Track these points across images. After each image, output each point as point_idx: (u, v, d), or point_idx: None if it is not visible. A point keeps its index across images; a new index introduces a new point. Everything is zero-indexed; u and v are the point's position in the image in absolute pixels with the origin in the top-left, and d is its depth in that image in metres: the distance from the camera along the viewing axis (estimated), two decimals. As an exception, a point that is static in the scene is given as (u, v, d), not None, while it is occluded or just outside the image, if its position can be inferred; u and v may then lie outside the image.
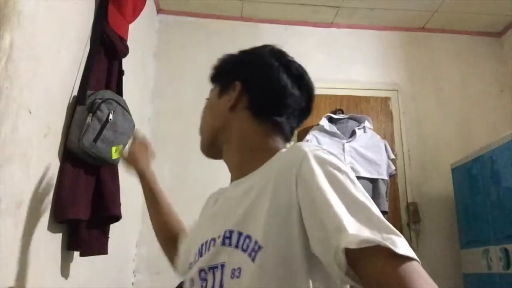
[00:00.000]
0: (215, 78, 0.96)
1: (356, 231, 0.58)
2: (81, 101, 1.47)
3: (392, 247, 0.54)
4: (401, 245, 0.56)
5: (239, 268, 0.69)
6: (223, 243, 0.74)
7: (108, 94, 1.57)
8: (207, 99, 0.97)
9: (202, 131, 0.95)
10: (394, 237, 0.57)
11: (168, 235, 1.13)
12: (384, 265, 0.55)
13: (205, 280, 0.75)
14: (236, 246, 0.71)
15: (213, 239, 0.78)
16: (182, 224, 1.16)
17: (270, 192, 0.71)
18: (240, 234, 0.72)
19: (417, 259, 0.55)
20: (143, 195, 1.21)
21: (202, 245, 0.81)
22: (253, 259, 0.67)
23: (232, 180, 0.89)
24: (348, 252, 0.56)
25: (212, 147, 0.93)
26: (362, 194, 0.65)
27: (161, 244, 1.16)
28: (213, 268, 0.74)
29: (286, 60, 0.91)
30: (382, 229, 0.59)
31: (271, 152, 0.82)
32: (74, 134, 1.42)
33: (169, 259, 1.12)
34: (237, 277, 0.69)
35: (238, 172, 0.86)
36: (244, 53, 0.94)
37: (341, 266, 0.57)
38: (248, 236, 0.70)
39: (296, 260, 0.65)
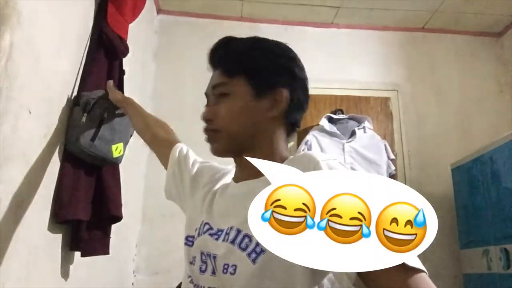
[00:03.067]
0: (248, 72, 0.84)
1: None
2: (76, 102, 1.47)
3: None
4: (413, 261, 0.57)
5: (234, 265, 0.71)
6: (217, 236, 0.78)
7: (102, 93, 1.56)
8: (223, 92, 0.84)
9: (227, 130, 0.83)
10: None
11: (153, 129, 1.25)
12: (394, 277, 0.55)
13: (205, 263, 0.78)
14: (232, 242, 0.73)
15: (208, 226, 0.82)
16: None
17: None
18: (238, 231, 0.74)
19: (426, 270, 0.57)
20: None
21: (201, 224, 0.84)
22: (254, 261, 0.69)
23: (237, 179, 0.88)
24: None
25: (231, 151, 0.86)
26: None
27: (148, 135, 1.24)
28: (206, 255, 0.79)
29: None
30: None
31: (283, 159, 0.84)
32: (71, 134, 1.42)
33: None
34: (232, 273, 0.71)
35: (248, 174, 0.83)
36: (281, 55, 0.86)
37: (350, 277, 0.58)
38: (248, 236, 0.72)
39: (299, 267, 0.66)
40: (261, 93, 0.83)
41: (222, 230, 0.79)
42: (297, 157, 0.81)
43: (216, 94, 0.85)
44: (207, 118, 0.85)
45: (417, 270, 0.56)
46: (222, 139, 0.84)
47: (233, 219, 0.77)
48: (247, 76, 0.83)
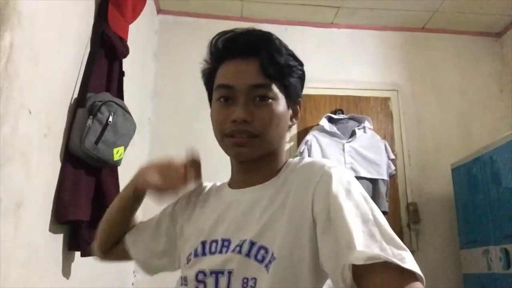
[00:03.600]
0: (285, 81, 0.80)
1: (365, 247, 0.59)
2: (81, 104, 1.47)
3: (400, 263, 0.56)
4: (410, 261, 0.58)
5: (254, 279, 0.69)
6: (233, 250, 0.73)
7: (108, 96, 1.57)
8: (266, 96, 0.77)
9: (265, 136, 0.77)
10: (403, 253, 0.59)
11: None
12: (390, 281, 0.56)
13: (203, 282, 0.73)
14: (247, 255, 0.71)
15: (219, 241, 0.76)
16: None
17: (289, 207, 0.72)
18: (252, 243, 0.72)
19: (423, 277, 0.57)
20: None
21: (204, 243, 0.79)
22: (268, 270, 0.69)
23: (238, 184, 0.85)
24: (355, 268, 0.58)
25: (259, 158, 0.80)
26: (375, 210, 0.67)
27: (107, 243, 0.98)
28: (216, 273, 0.73)
29: None
30: (393, 245, 0.61)
31: (282, 163, 0.84)
32: (75, 136, 1.43)
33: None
34: (252, 287, 0.69)
35: (255, 179, 0.82)
36: (302, 65, 0.84)
37: (346, 282, 0.58)
38: (264, 248, 0.71)
39: (304, 272, 0.67)
40: (290, 102, 0.82)
41: (228, 241, 0.75)
42: (305, 165, 0.79)
43: (255, 95, 0.77)
44: (245, 119, 0.75)
45: (414, 276, 0.57)
46: (257, 145, 0.77)
47: (245, 231, 0.74)
48: (283, 84, 0.80)
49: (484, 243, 2.41)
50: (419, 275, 0.57)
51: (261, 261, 0.70)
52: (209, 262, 0.75)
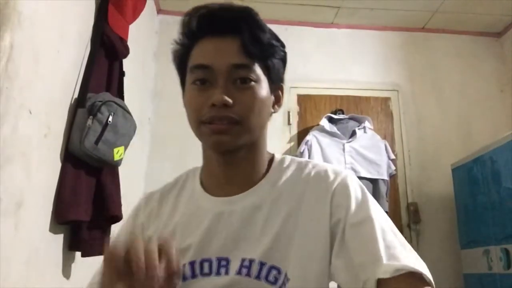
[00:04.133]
0: (268, 61, 0.72)
1: (390, 259, 0.59)
2: (81, 104, 1.47)
3: (424, 272, 0.58)
4: (426, 267, 0.59)
5: None
6: (239, 272, 0.65)
7: (108, 96, 1.57)
8: (248, 78, 0.68)
9: (247, 123, 0.68)
10: (422, 262, 0.60)
11: None
12: None
13: None
14: (258, 277, 0.64)
15: (213, 261, 0.67)
16: None
17: (301, 220, 0.67)
18: (262, 264, 0.65)
19: (432, 281, 0.58)
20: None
21: (192, 263, 0.68)
22: None
23: (217, 189, 0.74)
24: (379, 280, 0.58)
25: (241, 148, 0.71)
26: (389, 218, 0.68)
27: None
28: None
29: None
30: (412, 253, 0.62)
31: (265, 158, 0.77)
32: (75, 136, 1.43)
33: None
34: None
35: (233, 178, 0.73)
36: (284, 47, 0.76)
37: None
38: (276, 268, 0.65)
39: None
40: (273, 86, 0.74)
41: (226, 259, 0.67)
42: (316, 174, 0.72)
43: (236, 76, 0.68)
44: (226, 103, 0.66)
45: (425, 280, 0.58)
46: (238, 132, 0.68)
47: (247, 248, 0.66)
48: (266, 65, 0.71)
49: (485, 243, 2.41)
50: (431, 280, 0.58)
51: (274, 283, 0.64)
52: (206, 286, 0.66)
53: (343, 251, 0.63)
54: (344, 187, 0.69)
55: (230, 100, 0.66)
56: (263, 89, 0.70)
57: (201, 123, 0.69)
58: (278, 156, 0.79)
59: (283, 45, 0.75)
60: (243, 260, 0.66)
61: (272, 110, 0.75)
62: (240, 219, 0.70)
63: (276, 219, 0.68)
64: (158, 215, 0.78)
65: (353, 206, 0.66)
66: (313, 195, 0.70)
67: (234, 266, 0.66)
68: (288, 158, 0.78)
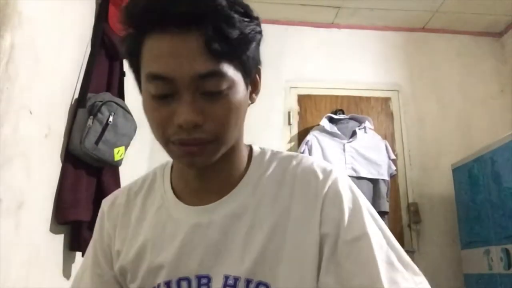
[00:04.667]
0: (237, 50, 0.56)
1: (390, 283, 0.54)
2: (81, 104, 1.47)
3: None
4: (426, 284, 0.57)
5: None
6: (204, 286, 0.60)
7: (108, 96, 1.57)
8: (218, 87, 0.55)
9: (222, 139, 0.58)
10: (421, 278, 0.58)
11: None
12: None
13: None
14: None
15: (192, 280, 0.61)
16: None
17: (290, 229, 0.60)
18: (249, 281, 0.59)
19: None
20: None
21: (168, 283, 0.62)
22: None
23: (191, 196, 0.66)
24: None
25: (219, 159, 0.61)
26: (384, 227, 0.61)
27: None
28: None
29: None
30: (411, 271, 0.58)
31: (243, 155, 0.68)
32: (76, 137, 1.43)
33: None
34: None
35: (210, 184, 0.65)
36: (256, 19, 0.59)
37: None
38: (263, 284, 0.59)
39: None
40: (247, 77, 0.60)
41: (206, 277, 0.60)
42: (304, 172, 0.64)
43: (204, 88, 0.55)
44: (195, 124, 0.55)
45: None
46: (215, 150, 0.58)
47: (229, 263, 0.60)
48: (239, 61, 0.57)
49: (485, 243, 2.41)
50: None
51: None
52: None
53: (335, 269, 0.57)
54: (335, 194, 0.61)
55: (200, 120, 0.54)
56: (238, 91, 0.57)
57: (168, 142, 0.58)
58: (256, 149, 0.69)
59: (258, 23, 0.59)
60: (226, 277, 0.59)
61: (250, 102, 0.63)
62: (220, 230, 0.61)
63: (261, 228, 0.61)
64: (124, 224, 0.69)
65: (346, 218, 0.59)
66: (301, 201, 0.62)
67: (217, 284, 0.59)
68: (268, 151, 0.69)
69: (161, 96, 0.56)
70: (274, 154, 0.69)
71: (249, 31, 0.56)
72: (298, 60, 3.14)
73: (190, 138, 0.55)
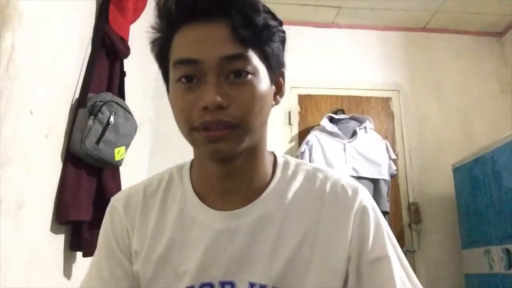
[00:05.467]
0: (265, 45, 0.60)
1: None
2: (82, 104, 1.47)
3: None
4: None
5: None
6: None
7: (109, 96, 1.57)
8: (244, 70, 0.58)
9: (248, 125, 0.58)
10: None
11: None
12: None
13: None
14: None
15: (216, 286, 0.61)
16: None
17: (320, 242, 0.62)
18: None
19: None
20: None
21: (195, 287, 0.62)
22: None
23: (215, 199, 0.65)
24: None
25: (242, 155, 0.62)
26: (398, 247, 0.65)
27: None
28: None
29: None
30: None
31: (267, 161, 0.68)
32: (76, 137, 1.43)
33: None
34: None
35: (234, 186, 0.64)
36: (277, 20, 0.63)
37: None
38: None
39: None
40: (273, 75, 0.63)
41: (230, 284, 0.61)
42: (337, 192, 0.65)
43: (229, 70, 0.57)
44: (220, 105, 0.56)
45: None
46: (238, 137, 0.58)
47: (255, 271, 0.60)
48: (263, 51, 0.60)
49: (486, 243, 2.41)
50: None
51: None
52: None
53: (357, 284, 0.61)
54: (363, 211, 0.63)
55: (224, 102, 0.56)
56: (263, 81, 0.59)
57: (192, 129, 0.58)
58: (280, 158, 0.70)
59: (281, 23, 0.63)
60: (252, 285, 0.59)
61: (274, 103, 0.65)
62: (247, 237, 0.61)
63: (289, 238, 0.61)
64: (142, 224, 0.68)
65: (370, 238, 0.62)
66: (332, 216, 0.63)
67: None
68: (292, 161, 0.70)
69: (187, 79, 0.58)
70: (298, 165, 0.69)
71: (273, 24, 0.60)
72: (298, 60, 3.14)
73: (214, 120, 0.56)
